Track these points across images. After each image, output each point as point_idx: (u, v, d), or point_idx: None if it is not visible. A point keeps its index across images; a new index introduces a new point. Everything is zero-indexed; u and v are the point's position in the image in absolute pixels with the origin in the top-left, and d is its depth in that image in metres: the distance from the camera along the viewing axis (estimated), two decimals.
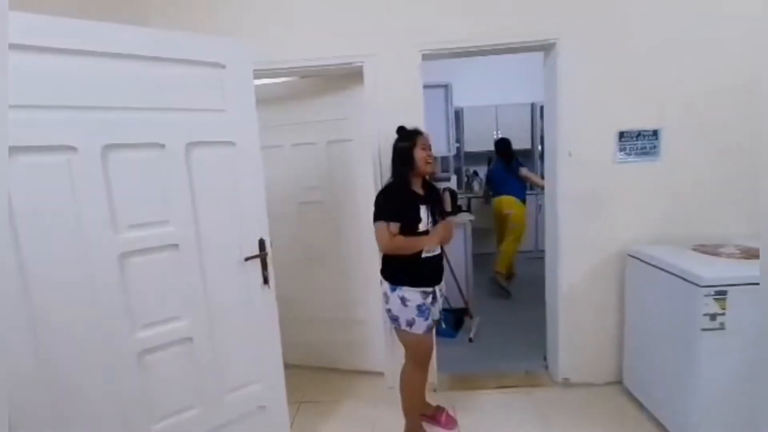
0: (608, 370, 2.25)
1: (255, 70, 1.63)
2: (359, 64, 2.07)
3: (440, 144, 3.21)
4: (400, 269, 1.75)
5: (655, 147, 2.07)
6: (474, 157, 4.96)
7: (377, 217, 1.69)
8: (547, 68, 2.21)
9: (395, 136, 1.85)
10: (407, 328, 1.75)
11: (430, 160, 1.75)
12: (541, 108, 4.54)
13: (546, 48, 2.14)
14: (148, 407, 1.47)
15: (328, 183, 2.43)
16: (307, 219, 2.50)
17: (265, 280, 1.70)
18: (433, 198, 1.83)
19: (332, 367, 2.58)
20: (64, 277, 1.28)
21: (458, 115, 4.66)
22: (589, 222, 2.15)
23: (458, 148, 4.75)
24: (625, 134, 2.07)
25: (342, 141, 2.36)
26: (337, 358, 2.58)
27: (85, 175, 1.29)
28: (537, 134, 4.80)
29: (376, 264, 2.09)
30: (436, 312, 1.85)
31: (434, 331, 1.88)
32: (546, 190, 2.35)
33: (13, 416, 1.19)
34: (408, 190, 1.75)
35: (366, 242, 2.31)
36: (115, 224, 1.36)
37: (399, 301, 1.73)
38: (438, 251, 1.78)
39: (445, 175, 3.73)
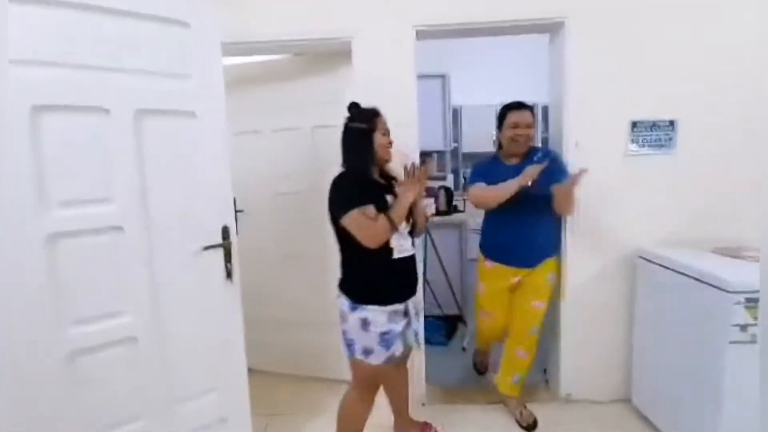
0: (615, 385, 2.03)
1: (230, 44, 1.45)
2: (347, 40, 1.88)
3: (436, 139, 3.02)
4: (366, 281, 1.42)
5: (671, 139, 1.88)
6: (472, 158, 4.74)
7: (346, 207, 1.34)
8: (553, 50, 2.02)
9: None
10: (362, 357, 1.41)
11: (389, 147, 1.48)
12: (545, 109, 4.37)
13: (553, 28, 1.96)
14: (81, 417, 1.24)
15: (312, 172, 2.22)
16: (286, 212, 2.29)
17: (228, 274, 1.49)
18: (395, 190, 1.48)
19: (308, 375, 2.35)
20: None
21: (456, 113, 4.47)
22: (596, 220, 1.95)
23: (456, 148, 4.56)
24: (638, 124, 1.88)
25: (329, 126, 2.11)
26: (314, 366, 2.34)
27: (10, 139, 1.09)
28: (539, 137, 4.60)
29: None
30: (411, 337, 1.51)
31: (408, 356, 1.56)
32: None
33: None
34: (368, 179, 1.45)
35: None
36: (44, 199, 1.15)
37: (359, 324, 1.39)
38: (412, 251, 1.47)
39: (441, 174, 3.53)
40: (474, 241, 4.22)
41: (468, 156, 4.69)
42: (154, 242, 1.34)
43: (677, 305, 1.62)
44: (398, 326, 1.42)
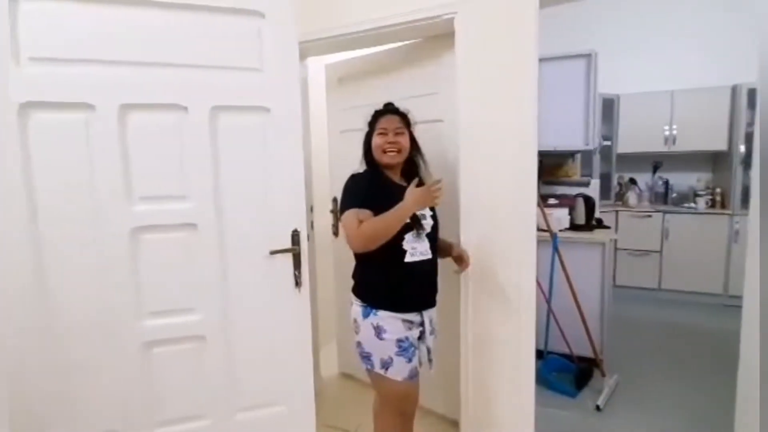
0: None
1: (314, 41, 1.50)
2: (449, 17, 1.60)
3: (575, 136, 2.44)
4: (379, 284, 1.35)
5: None
6: (630, 161, 3.82)
7: (343, 207, 1.33)
8: None
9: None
10: (382, 371, 1.32)
11: (389, 149, 1.38)
12: (750, 92, 3.19)
13: None
14: (151, 406, 1.29)
15: None
16: None
17: (297, 282, 1.37)
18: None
19: None
20: (74, 247, 1.18)
21: (611, 104, 3.65)
22: None
23: (609, 148, 3.73)
24: None
25: (431, 122, 1.88)
26: None
27: (101, 137, 1.17)
28: (739, 131, 3.39)
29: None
30: (424, 353, 1.41)
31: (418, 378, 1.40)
32: (753, 204, 1.43)
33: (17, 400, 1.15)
34: (382, 177, 1.41)
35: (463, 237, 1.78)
36: (130, 194, 1.21)
37: (372, 332, 1.32)
38: (429, 255, 1.36)
39: (583, 178, 2.87)
40: (625, 265, 3.37)
41: (624, 157, 3.79)
42: (225, 242, 1.31)
43: None
44: (414, 334, 1.35)
